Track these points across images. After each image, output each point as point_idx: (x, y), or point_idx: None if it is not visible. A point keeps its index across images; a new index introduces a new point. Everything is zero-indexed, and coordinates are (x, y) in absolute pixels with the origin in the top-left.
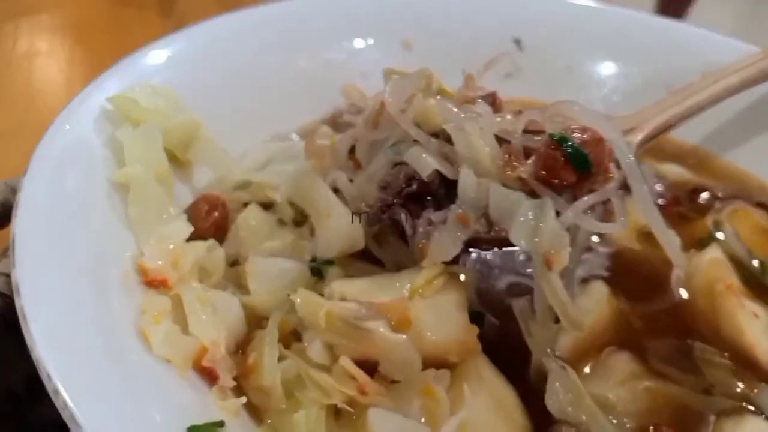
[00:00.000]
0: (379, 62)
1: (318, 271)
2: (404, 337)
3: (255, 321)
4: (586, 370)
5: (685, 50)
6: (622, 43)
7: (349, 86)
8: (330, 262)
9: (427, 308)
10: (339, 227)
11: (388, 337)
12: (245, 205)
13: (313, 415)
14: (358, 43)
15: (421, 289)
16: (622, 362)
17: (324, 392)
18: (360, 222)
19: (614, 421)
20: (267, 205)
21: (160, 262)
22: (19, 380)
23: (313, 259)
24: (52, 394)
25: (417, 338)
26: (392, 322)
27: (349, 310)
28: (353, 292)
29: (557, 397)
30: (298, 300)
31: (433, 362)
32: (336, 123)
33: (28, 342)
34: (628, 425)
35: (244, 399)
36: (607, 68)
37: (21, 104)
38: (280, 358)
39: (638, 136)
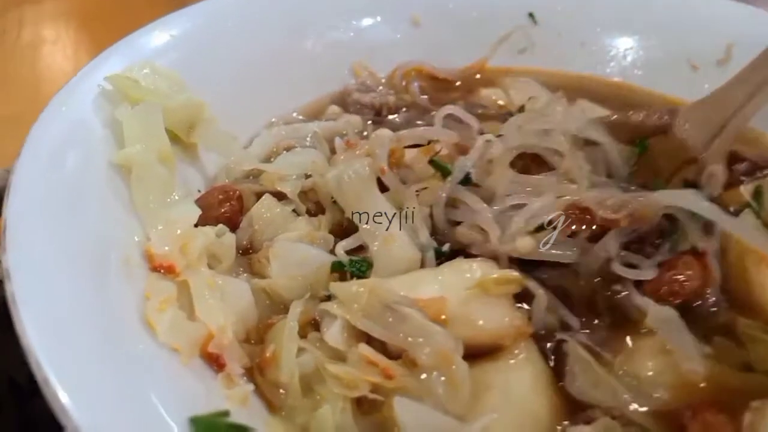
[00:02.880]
0: (387, 40)
1: (340, 265)
2: (439, 327)
3: (269, 307)
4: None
5: (709, 22)
6: (641, 16)
7: (357, 64)
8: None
9: (474, 299)
10: (402, 256)
11: (424, 323)
12: (257, 195)
13: (338, 408)
14: (366, 21)
15: (488, 285)
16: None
17: (347, 384)
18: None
19: (643, 397)
20: (278, 195)
21: (167, 248)
22: (21, 371)
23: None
24: (41, 384)
25: (470, 328)
26: (429, 317)
27: (391, 293)
28: (396, 287)
29: (576, 380)
30: (336, 285)
31: (489, 348)
32: (345, 102)
33: (18, 328)
34: (659, 396)
35: (251, 386)
36: (625, 42)
37: (26, 92)
38: (298, 351)
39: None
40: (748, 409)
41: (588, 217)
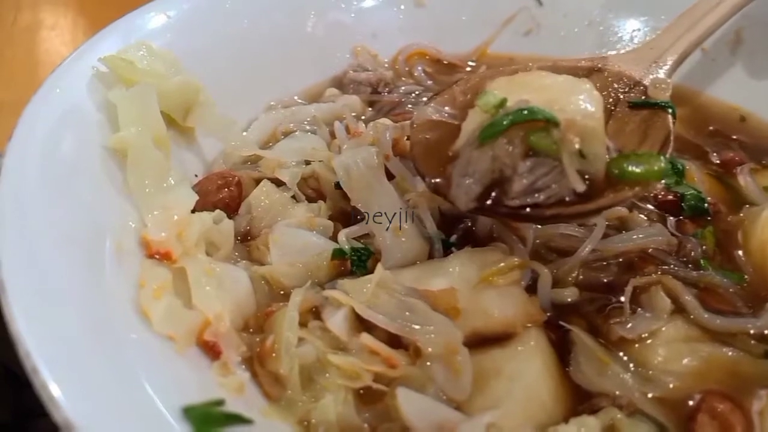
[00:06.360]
0: (389, 22)
1: (341, 252)
2: (442, 316)
3: (269, 294)
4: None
5: None
6: None
7: (359, 47)
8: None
9: (485, 288)
10: (411, 247)
11: (427, 312)
12: (256, 181)
13: (340, 399)
14: (368, 2)
15: (492, 277)
16: (674, 326)
17: (350, 375)
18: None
19: (652, 384)
20: (277, 181)
21: (163, 234)
22: (16, 360)
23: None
24: (30, 373)
25: (483, 317)
26: (433, 307)
27: (398, 284)
28: (405, 279)
29: (581, 368)
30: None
31: (501, 336)
32: (342, 83)
33: (7, 315)
34: (668, 384)
35: (247, 375)
36: (633, 23)
37: (23, 77)
38: (299, 341)
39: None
40: (756, 397)
41: None
